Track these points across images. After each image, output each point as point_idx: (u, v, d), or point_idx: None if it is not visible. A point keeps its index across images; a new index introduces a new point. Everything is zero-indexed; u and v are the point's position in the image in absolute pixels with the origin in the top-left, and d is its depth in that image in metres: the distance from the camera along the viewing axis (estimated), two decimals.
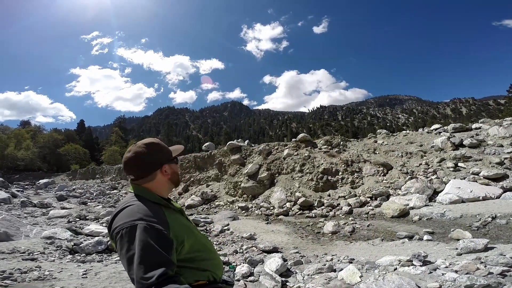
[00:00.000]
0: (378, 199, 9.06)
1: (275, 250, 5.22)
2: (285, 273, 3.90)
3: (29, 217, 8.75)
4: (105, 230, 6.44)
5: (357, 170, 11.24)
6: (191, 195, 13.23)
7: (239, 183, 12.33)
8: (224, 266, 1.44)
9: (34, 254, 4.66)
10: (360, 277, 3.30)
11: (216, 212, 9.95)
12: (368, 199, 9.29)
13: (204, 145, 16.61)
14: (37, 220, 8.24)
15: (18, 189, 18.55)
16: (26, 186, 21.65)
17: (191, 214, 9.56)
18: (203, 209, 11.01)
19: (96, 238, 5.24)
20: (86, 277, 3.68)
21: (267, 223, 8.10)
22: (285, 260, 4.50)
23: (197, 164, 15.33)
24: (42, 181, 23.76)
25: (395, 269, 3.47)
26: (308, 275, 3.73)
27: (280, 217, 9.11)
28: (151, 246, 0.99)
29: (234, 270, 1.61)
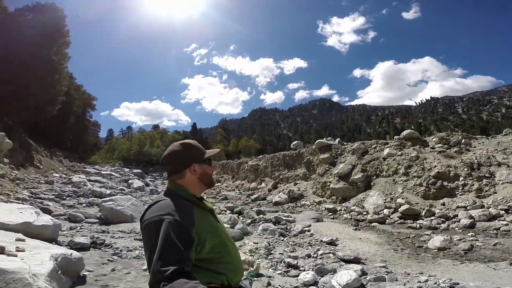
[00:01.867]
0: None
1: (356, 260, 4.57)
2: None
3: None
4: None
5: (486, 175, 8.73)
6: (279, 192, 13.44)
7: (328, 183, 11.66)
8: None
9: (136, 237, 5.66)
10: None
11: (300, 212, 9.72)
12: (502, 212, 7.10)
13: (292, 143, 16.58)
14: None
15: (151, 179, 23.55)
16: (157, 177, 27.25)
17: (276, 211, 9.70)
18: (288, 207, 10.99)
19: None
20: None
21: (356, 229, 7.28)
22: (364, 273, 3.88)
23: (286, 162, 15.45)
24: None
25: None
26: None
27: (373, 224, 8.04)
28: (172, 242, 1.03)
29: (252, 279, 1.51)
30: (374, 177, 10.74)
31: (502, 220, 6.58)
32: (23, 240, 3.23)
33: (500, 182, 8.23)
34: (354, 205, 9.85)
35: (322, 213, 9.50)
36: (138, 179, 18.03)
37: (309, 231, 6.67)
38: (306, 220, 7.87)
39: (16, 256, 2.62)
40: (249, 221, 7.67)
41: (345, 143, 13.73)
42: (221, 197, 13.02)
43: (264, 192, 14.47)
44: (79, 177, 13.64)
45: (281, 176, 14.99)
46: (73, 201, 8.50)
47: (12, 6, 17.62)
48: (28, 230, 3.73)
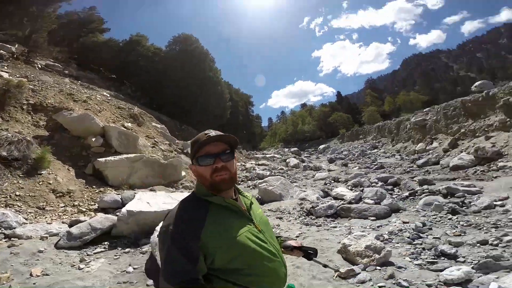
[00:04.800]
0: None
1: None
2: None
3: (304, 179, 11.51)
4: (349, 193, 6.89)
5: None
6: (461, 152, 10.40)
7: None
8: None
9: (284, 213, 5.72)
10: None
11: (495, 178, 6.94)
12: None
13: (474, 85, 12.23)
14: (307, 182, 10.49)
15: (306, 155, 24.86)
16: (312, 152, 28.45)
17: (453, 179, 7.48)
18: (475, 172, 8.09)
19: (329, 203, 5.82)
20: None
21: None
22: None
23: (469, 110, 11.67)
24: (321, 147, 30.02)
25: None
26: None
27: None
28: (173, 256, 1.01)
29: None
30: None
31: None
32: None
33: None
34: None
35: None
36: (294, 157, 19.54)
37: (503, 206, 4.66)
38: (502, 190, 5.54)
39: None
40: (407, 193, 6.35)
41: None
42: (376, 166, 11.67)
43: (437, 154, 11.66)
44: (251, 163, 16.37)
45: (462, 130, 11.49)
46: (244, 185, 10.34)
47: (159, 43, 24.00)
48: None
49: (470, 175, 7.88)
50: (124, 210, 4.73)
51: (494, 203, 4.79)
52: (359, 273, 3.00)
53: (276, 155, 22.76)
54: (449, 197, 5.65)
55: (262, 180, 8.01)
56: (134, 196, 5.53)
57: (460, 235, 3.88)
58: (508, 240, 3.41)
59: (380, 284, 2.80)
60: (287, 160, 17.35)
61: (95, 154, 7.63)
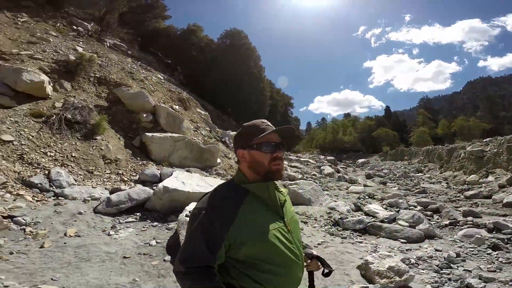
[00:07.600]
0: None
1: None
2: None
3: (337, 189, 11.13)
4: (382, 211, 6.54)
5: None
6: None
7: None
8: None
9: (310, 218, 5.74)
10: None
11: None
12: None
13: None
14: (339, 192, 10.24)
15: (342, 166, 24.00)
16: (350, 164, 27.38)
17: (505, 215, 6.62)
18: None
19: (360, 217, 5.56)
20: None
21: None
22: None
23: None
24: (360, 160, 28.75)
25: None
26: None
27: None
28: (198, 238, 1.01)
29: None
30: None
31: None
32: None
33: None
34: None
35: None
36: (330, 166, 19.00)
37: None
38: None
39: None
40: (447, 222, 5.76)
41: None
42: (418, 190, 10.79)
43: (491, 188, 10.43)
44: (284, 163, 16.55)
45: None
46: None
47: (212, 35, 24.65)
48: None
49: None
50: (160, 185, 5.06)
51: None
52: None
53: (310, 160, 22.30)
54: (494, 232, 5.05)
55: (293, 182, 7.94)
56: (172, 173, 5.89)
57: (494, 271, 3.54)
58: None
59: None
60: (322, 167, 16.95)
61: (144, 129, 8.30)
